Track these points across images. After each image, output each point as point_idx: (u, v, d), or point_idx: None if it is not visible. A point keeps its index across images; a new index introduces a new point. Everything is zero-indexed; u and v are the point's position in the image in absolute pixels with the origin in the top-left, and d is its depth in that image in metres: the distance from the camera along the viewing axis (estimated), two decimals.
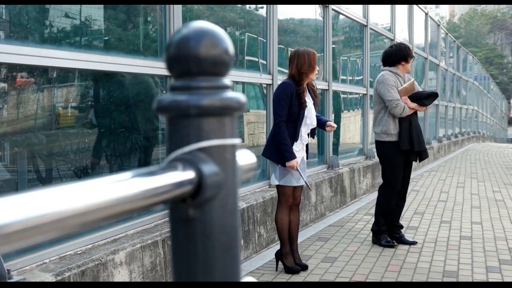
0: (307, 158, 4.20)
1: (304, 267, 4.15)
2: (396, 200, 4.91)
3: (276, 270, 4.13)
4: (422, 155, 4.83)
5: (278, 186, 4.10)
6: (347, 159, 7.79)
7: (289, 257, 4.10)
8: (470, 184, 8.95)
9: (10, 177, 3.18)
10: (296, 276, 4.02)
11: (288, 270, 4.08)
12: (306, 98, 4.03)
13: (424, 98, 4.79)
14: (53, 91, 3.35)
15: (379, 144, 4.93)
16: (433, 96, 4.89)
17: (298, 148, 4.03)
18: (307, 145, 4.15)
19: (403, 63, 4.85)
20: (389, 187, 4.87)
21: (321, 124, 4.19)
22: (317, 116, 4.18)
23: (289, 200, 4.10)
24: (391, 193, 4.86)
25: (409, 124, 4.75)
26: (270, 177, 4.29)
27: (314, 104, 4.13)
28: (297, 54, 4.04)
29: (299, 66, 3.99)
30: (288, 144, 3.95)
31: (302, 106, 3.99)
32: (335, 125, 4.27)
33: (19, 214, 0.46)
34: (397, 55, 4.86)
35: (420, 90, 4.97)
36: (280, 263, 4.14)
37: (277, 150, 4.00)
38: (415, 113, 4.84)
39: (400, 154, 4.79)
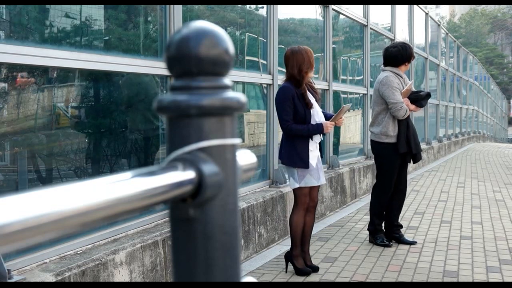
0: (322, 157, 4.12)
1: (315, 269, 4.08)
2: (393, 200, 4.92)
3: (286, 272, 4.08)
4: (417, 157, 4.86)
5: (294, 189, 4.00)
6: (347, 159, 7.79)
7: (299, 259, 4.03)
8: (470, 184, 8.95)
9: (10, 177, 3.18)
10: (296, 276, 4.01)
11: (299, 272, 4.00)
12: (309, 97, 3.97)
13: (422, 100, 4.85)
14: (53, 91, 3.35)
15: (376, 145, 4.92)
16: (428, 96, 4.96)
17: (312, 148, 3.97)
18: (320, 143, 4.08)
19: (406, 63, 4.86)
20: (384, 188, 4.87)
21: (328, 119, 4.06)
22: (322, 112, 4.09)
23: (305, 201, 4.00)
24: (386, 194, 4.87)
25: (406, 127, 4.76)
26: (288, 181, 4.19)
27: (316, 100, 4.06)
28: (294, 53, 3.90)
29: (299, 65, 3.87)
30: (306, 127, 3.87)
31: (308, 106, 3.91)
32: (342, 120, 4.12)
33: (19, 214, 0.46)
34: (402, 56, 4.82)
35: (414, 90, 5.02)
36: (290, 264, 4.08)
37: (292, 154, 3.93)
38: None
39: (397, 156, 4.79)
